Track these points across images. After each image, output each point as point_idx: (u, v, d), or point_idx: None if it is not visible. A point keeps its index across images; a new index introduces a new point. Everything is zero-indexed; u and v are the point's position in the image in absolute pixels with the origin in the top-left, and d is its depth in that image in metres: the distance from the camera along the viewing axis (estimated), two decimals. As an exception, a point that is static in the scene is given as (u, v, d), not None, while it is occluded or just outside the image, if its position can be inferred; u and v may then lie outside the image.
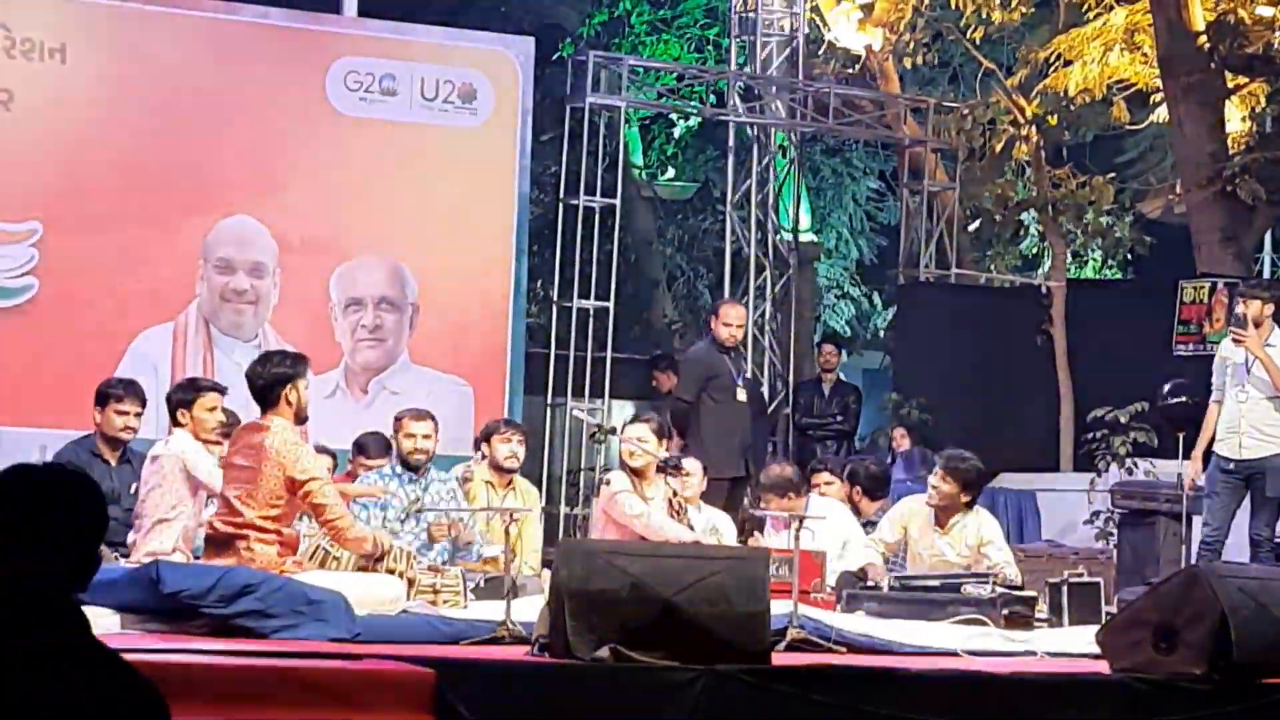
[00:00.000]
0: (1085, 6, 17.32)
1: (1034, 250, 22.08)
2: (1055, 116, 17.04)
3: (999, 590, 8.59)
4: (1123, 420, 13.45)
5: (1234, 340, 10.57)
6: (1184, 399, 12.03)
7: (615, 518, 9.57)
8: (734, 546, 9.44)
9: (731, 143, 17.50)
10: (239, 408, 9.30)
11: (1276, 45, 15.68)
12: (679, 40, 22.86)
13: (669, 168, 24.85)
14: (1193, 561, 10.60)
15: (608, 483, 9.86)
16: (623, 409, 14.84)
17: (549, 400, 15.62)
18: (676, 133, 24.31)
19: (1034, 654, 7.53)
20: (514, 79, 14.46)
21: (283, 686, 5.45)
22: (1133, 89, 17.54)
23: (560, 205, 15.72)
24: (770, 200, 17.41)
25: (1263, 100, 16.73)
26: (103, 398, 9.48)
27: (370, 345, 13.98)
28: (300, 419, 8.07)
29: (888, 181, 24.42)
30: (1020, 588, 8.90)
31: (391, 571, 7.99)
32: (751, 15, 17.37)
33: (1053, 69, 17.45)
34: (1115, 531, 12.56)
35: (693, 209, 24.55)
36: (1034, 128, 16.87)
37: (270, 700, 5.39)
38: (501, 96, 14.37)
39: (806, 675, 6.13)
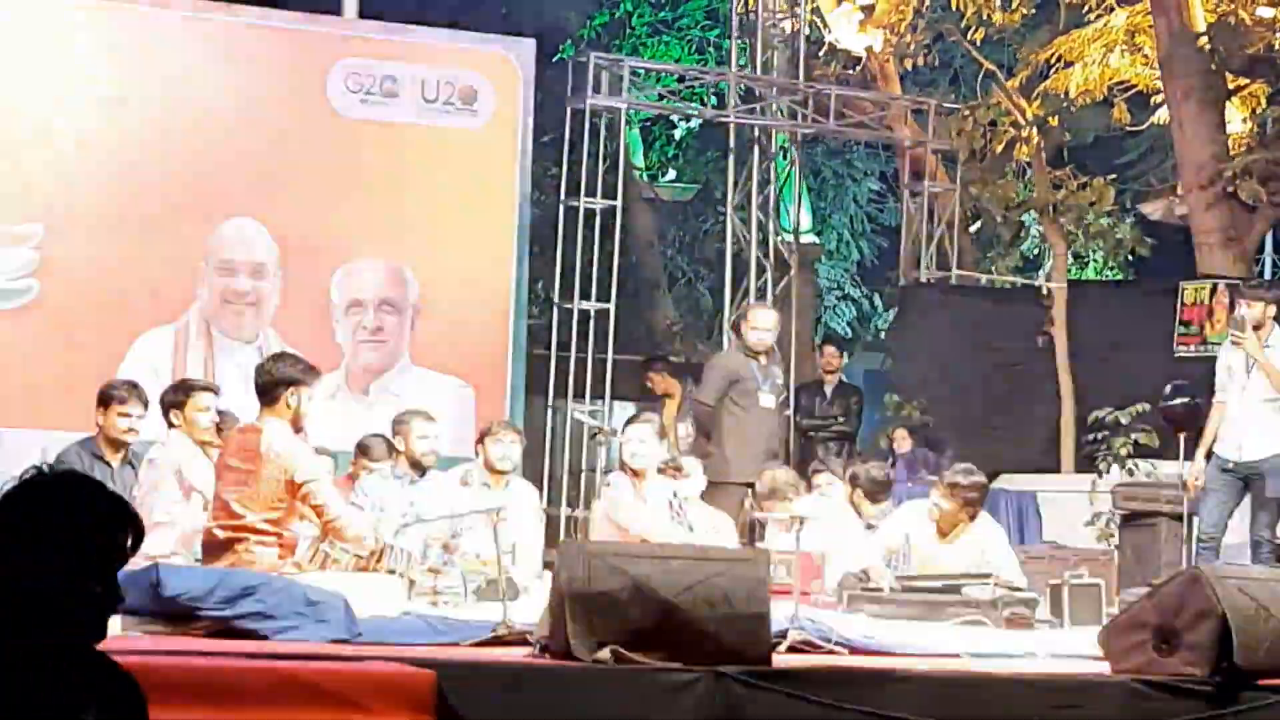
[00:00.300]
0: (1086, 8, 17.33)
1: (1035, 251, 22.10)
2: (1056, 118, 17.04)
3: (1000, 592, 8.59)
4: (1124, 421, 13.45)
5: (1232, 342, 10.57)
6: (1185, 400, 12.03)
7: (615, 520, 9.57)
8: (735, 548, 9.43)
9: (732, 144, 17.51)
10: (236, 408, 9.31)
11: (1277, 46, 15.68)
12: (680, 42, 22.88)
13: (670, 169, 24.86)
14: (1193, 561, 10.60)
15: (609, 485, 9.86)
16: (623, 410, 14.83)
17: (550, 401, 15.62)
18: (677, 134, 24.32)
19: (1035, 655, 7.53)
20: (515, 81, 14.46)
21: (283, 688, 5.45)
22: (1133, 90, 17.54)
23: (561, 207, 15.72)
24: (771, 202, 17.41)
25: (1263, 101, 16.73)
26: (105, 399, 9.47)
27: (371, 347, 13.98)
28: (296, 428, 8.05)
29: (888, 183, 24.43)
30: (1022, 589, 8.90)
31: (392, 572, 7.99)
32: (752, 17, 17.38)
33: (1053, 70, 17.46)
34: (1116, 533, 12.55)
35: (693, 210, 24.56)
36: (1035, 129, 16.87)
37: (271, 701, 5.39)
38: (502, 98, 14.38)
39: (807, 677, 6.13)
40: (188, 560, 8.34)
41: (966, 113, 17.19)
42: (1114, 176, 17.87)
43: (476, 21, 18.31)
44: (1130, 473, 13.34)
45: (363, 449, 11.07)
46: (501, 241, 14.36)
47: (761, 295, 17.13)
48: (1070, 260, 19.05)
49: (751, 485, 11.32)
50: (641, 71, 16.99)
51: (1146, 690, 6.40)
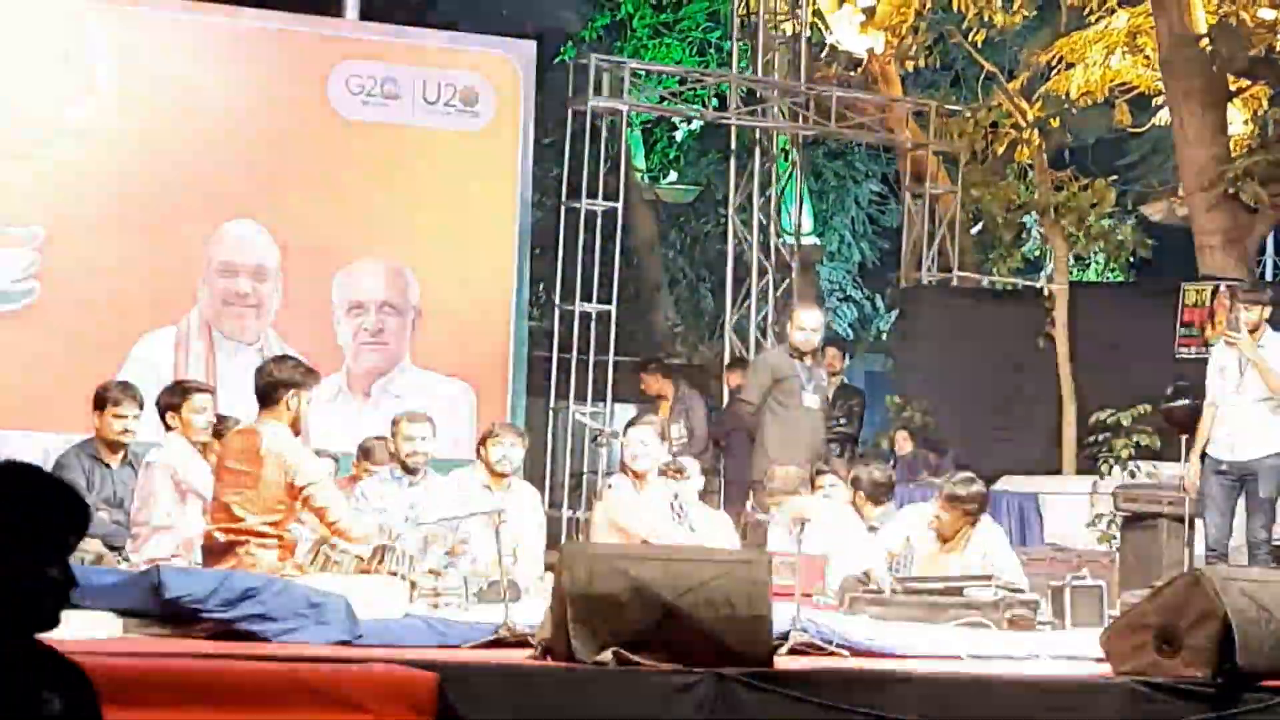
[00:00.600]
0: (1087, 10, 17.32)
1: (1036, 253, 22.08)
2: (1057, 119, 17.04)
3: (1001, 593, 8.58)
4: (1125, 423, 13.45)
5: (1227, 343, 10.59)
6: (1186, 401, 12.02)
7: (617, 522, 9.57)
8: (736, 550, 9.43)
9: (733, 146, 17.52)
10: (237, 411, 9.30)
11: (1278, 48, 15.68)
12: (681, 43, 22.88)
13: (671, 171, 24.87)
14: (1196, 565, 10.60)
15: (610, 486, 9.85)
16: (624, 412, 14.84)
17: (551, 403, 15.62)
18: (678, 136, 24.32)
19: (1037, 657, 7.52)
20: (516, 82, 14.47)
21: (285, 689, 5.46)
22: (1134, 92, 17.54)
23: (562, 209, 15.72)
24: (772, 203, 17.41)
25: (1265, 103, 16.73)
26: (100, 401, 9.48)
27: (372, 349, 13.98)
28: (295, 430, 8.06)
29: (889, 184, 24.43)
30: (1024, 591, 8.89)
31: (393, 574, 7.99)
32: (753, 18, 17.38)
33: (1055, 72, 17.45)
34: (1118, 534, 12.55)
35: (694, 212, 24.56)
36: (1036, 131, 16.87)
37: (273, 703, 5.39)
38: (503, 100, 14.38)
39: (809, 679, 6.13)
40: (188, 563, 8.34)
41: (968, 114, 17.20)
42: (1115, 178, 17.87)
43: (477, 23, 18.33)
44: (1132, 474, 13.34)
45: (364, 451, 11.07)
46: (502, 243, 14.36)
47: (763, 297, 17.14)
48: (1071, 262, 19.04)
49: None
50: (642, 73, 16.99)
51: (1148, 692, 6.40)
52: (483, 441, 10.03)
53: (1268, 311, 10.56)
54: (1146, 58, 16.98)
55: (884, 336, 24.61)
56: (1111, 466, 13.57)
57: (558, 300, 15.95)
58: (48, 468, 9.34)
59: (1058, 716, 6.34)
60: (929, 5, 17.49)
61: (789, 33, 17.48)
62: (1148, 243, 17.39)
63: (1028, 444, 15.61)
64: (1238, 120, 16.72)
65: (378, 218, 13.99)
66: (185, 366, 13.20)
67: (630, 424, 10.20)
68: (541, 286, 19.66)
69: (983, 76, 18.19)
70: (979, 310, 16.77)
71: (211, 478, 8.37)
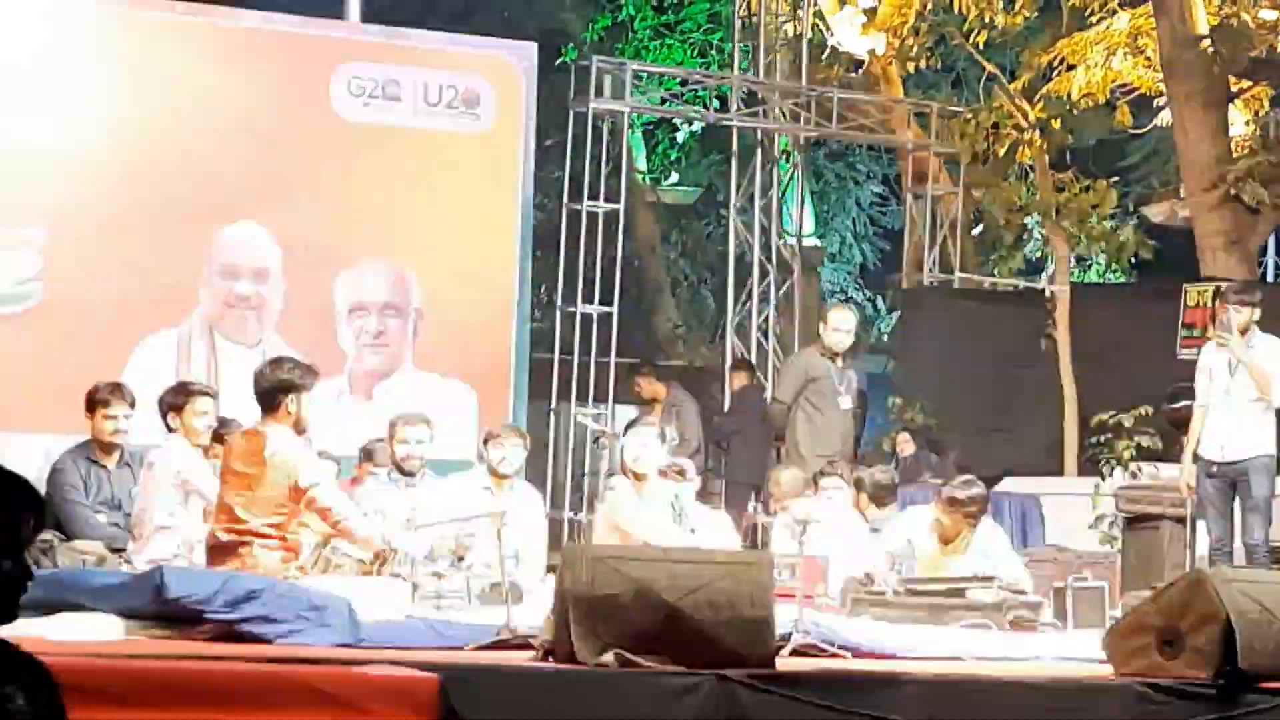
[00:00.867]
0: (1088, 11, 17.32)
1: (1037, 254, 22.09)
2: (1059, 121, 17.04)
3: (1003, 595, 8.58)
4: (1127, 424, 13.45)
5: (1218, 345, 10.61)
6: (1188, 403, 12.00)
7: (617, 524, 9.57)
8: (738, 551, 9.44)
9: (735, 147, 17.52)
10: (240, 412, 9.30)
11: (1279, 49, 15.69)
12: (682, 45, 22.88)
13: (672, 172, 24.88)
14: (1198, 566, 10.59)
15: (611, 488, 9.85)
16: (626, 414, 14.85)
17: (552, 405, 15.62)
18: (680, 137, 24.33)
19: (1038, 658, 7.52)
20: (517, 84, 14.47)
21: (287, 691, 5.46)
22: (1136, 93, 17.54)
23: (564, 210, 15.74)
24: (773, 205, 17.42)
25: (1266, 104, 16.73)
26: (91, 403, 9.49)
27: (374, 350, 13.99)
28: (299, 430, 8.06)
29: (891, 186, 24.44)
30: (1026, 592, 8.89)
31: (396, 576, 7.99)
32: (755, 20, 17.38)
33: (1056, 73, 17.45)
34: (1120, 535, 12.54)
35: (696, 214, 24.57)
36: (1037, 132, 16.87)
37: (274, 705, 5.39)
38: (505, 102, 14.38)
39: (811, 680, 6.13)
40: (190, 564, 8.34)
41: (969, 116, 17.19)
42: (1116, 179, 17.88)
43: (479, 25, 18.35)
44: (1134, 475, 13.33)
45: (366, 454, 11.07)
46: (504, 245, 14.37)
47: (764, 298, 17.15)
48: (1073, 263, 19.05)
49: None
50: (644, 75, 17.00)
51: (1150, 693, 6.40)
52: (485, 443, 10.04)
53: (1256, 313, 10.58)
54: (1148, 59, 16.98)
55: (885, 338, 24.61)
56: (1113, 468, 13.57)
57: (559, 302, 15.96)
58: (47, 470, 9.42)
59: (1059, 718, 6.34)
60: (930, 6, 17.49)
61: (790, 34, 17.50)
62: (1149, 244, 17.39)
63: (1029, 445, 15.60)
64: (1239, 121, 16.72)
65: (379, 220, 14.00)
66: (187, 368, 13.20)
67: (630, 426, 10.19)
68: (543, 288, 19.67)
69: (984, 77, 18.19)
70: (980, 312, 16.78)
71: (214, 479, 8.37)
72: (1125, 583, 11.32)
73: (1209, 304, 14.91)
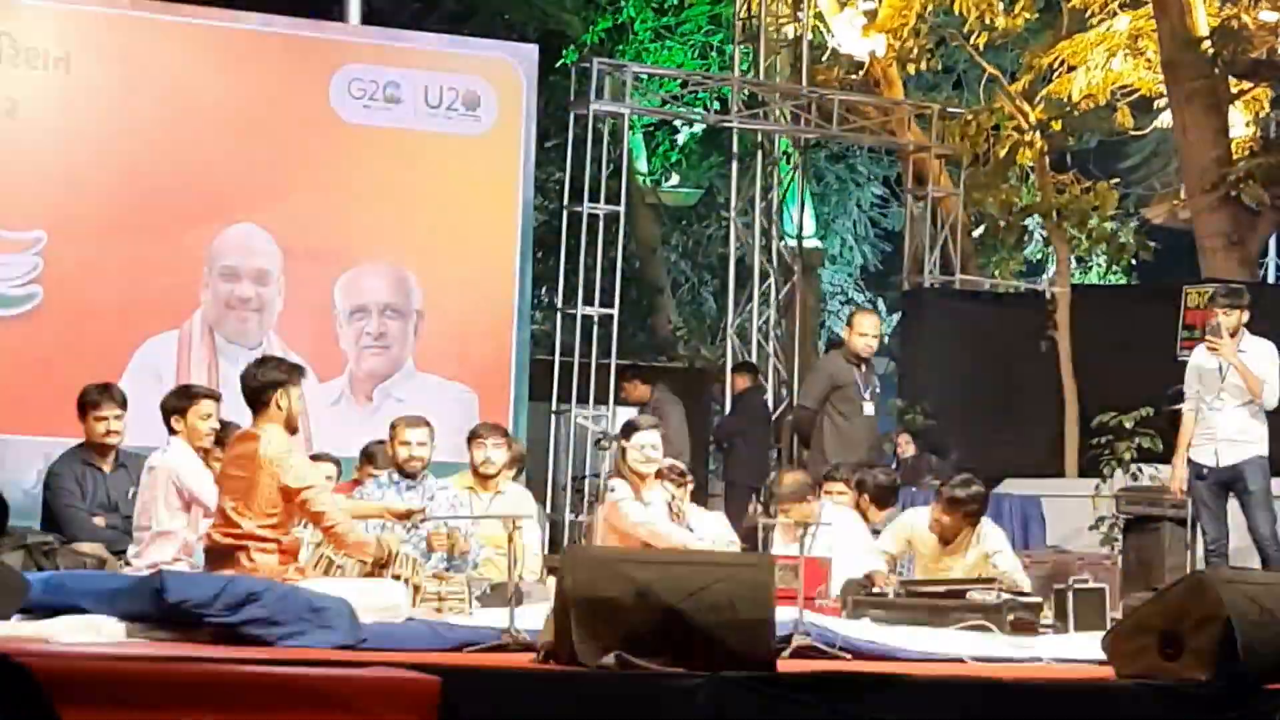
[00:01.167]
0: (1089, 12, 17.33)
1: (1038, 256, 22.11)
2: (1059, 122, 17.05)
3: (1004, 596, 8.59)
4: (1127, 425, 13.44)
5: (1209, 348, 10.62)
6: (1184, 403, 12.02)
7: (618, 526, 9.57)
8: (739, 553, 9.44)
9: (735, 149, 17.52)
10: (237, 415, 9.29)
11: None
12: (683, 47, 22.88)
13: (673, 174, 24.88)
14: (1199, 567, 10.60)
15: (612, 490, 9.85)
16: (627, 415, 14.85)
17: (553, 407, 15.63)
18: (680, 139, 24.33)
19: (1039, 660, 7.52)
20: (518, 86, 14.47)
21: (288, 694, 5.46)
22: (1136, 94, 17.55)
23: (564, 212, 15.74)
24: (774, 206, 17.42)
25: (1266, 105, 16.76)
26: (81, 407, 9.49)
27: (375, 353, 13.99)
28: (290, 428, 8.05)
29: (891, 187, 24.45)
30: (1026, 594, 8.89)
31: (397, 578, 7.99)
32: (755, 22, 17.39)
33: (1056, 74, 17.46)
34: (1120, 537, 12.55)
35: (697, 215, 24.58)
36: (1038, 133, 16.88)
37: (275, 708, 5.39)
38: (505, 104, 14.38)
39: (812, 682, 6.13)
40: (190, 568, 8.35)
41: (969, 117, 17.20)
42: (1117, 180, 17.89)
43: (479, 27, 18.37)
44: (1134, 477, 13.33)
45: (367, 456, 11.06)
46: (504, 247, 14.37)
47: (765, 300, 17.15)
48: (1073, 264, 19.05)
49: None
50: (644, 77, 17.00)
51: (1151, 695, 6.40)
52: (468, 443, 10.02)
53: (1245, 316, 10.59)
54: (1148, 60, 16.99)
55: (886, 340, 24.59)
56: (1114, 469, 13.56)
57: (560, 304, 15.96)
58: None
59: (1061, 719, 6.34)
60: (930, 8, 17.50)
61: (790, 36, 17.50)
62: (1149, 245, 17.40)
63: (1030, 447, 15.60)
64: (1239, 122, 16.74)
65: (380, 222, 14.00)
66: (187, 370, 13.21)
67: (633, 428, 10.14)
68: (544, 290, 19.69)
69: (984, 79, 18.21)
70: (981, 313, 16.78)
71: (213, 483, 8.37)
72: (1126, 584, 11.33)
73: (1209, 305, 14.93)
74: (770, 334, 17.19)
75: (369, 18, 15.24)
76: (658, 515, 9.60)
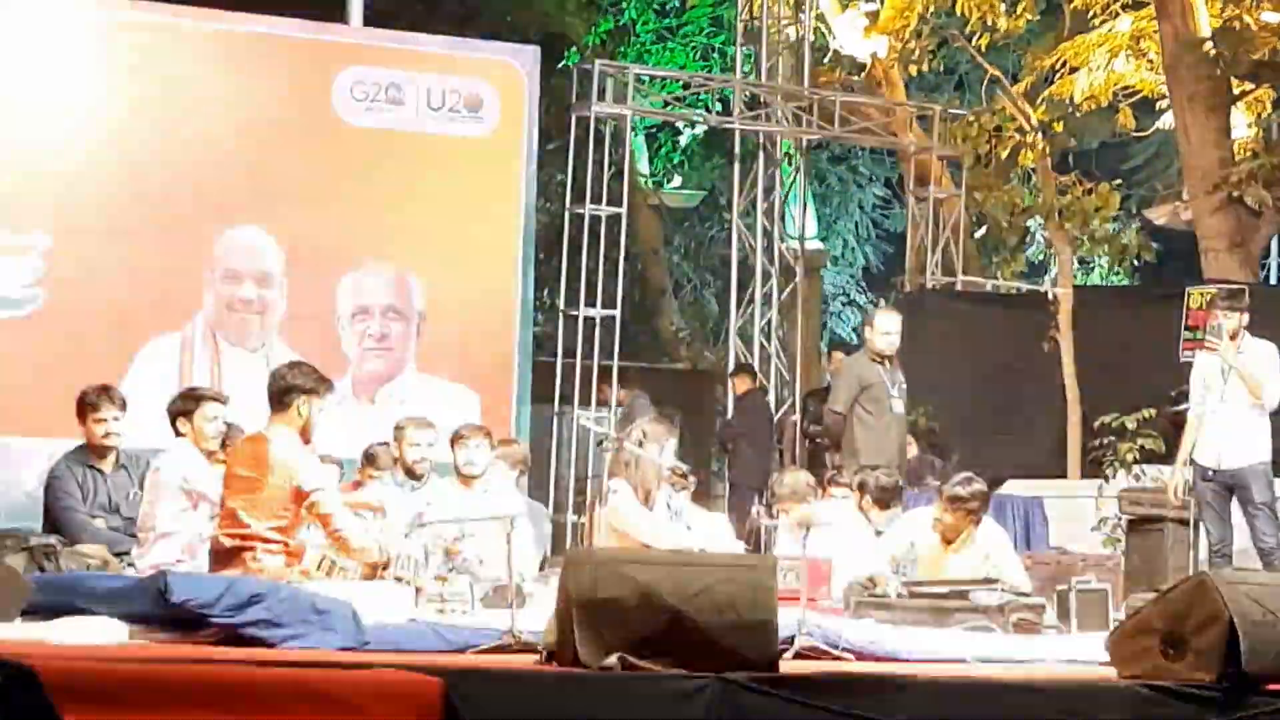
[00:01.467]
0: (1091, 14, 17.32)
1: (1040, 257, 22.11)
2: (1061, 123, 17.04)
3: (1007, 597, 8.59)
4: (1130, 426, 13.44)
5: (1209, 350, 10.61)
6: (1189, 405, 12.03)
7: (618, 527, 9.56)
8: (742, 554, 9.44)
9: (737, 150, 17.52)
10: (238, 416, 9.30)
11: (1283, 51, 15.69)
12: (685, 48, 22.89)
13: (675, 176, 24.89)
14: (1201, 568, 10.59)
15: (614, 491, 9.84)
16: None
17: (556, 408, 15.63)
18: (683, 141, 24.34)
19: (1042, 661, 7.52)
20: (520, 88, 14.47)
21: (290, 695, 5.46)
22: (1139, 96, 17.54)
23: (567, 214, 15.74)
24: (776, 208, 17.42)
25: (1269, 106, 16.74)
26: (80, 409, 9.49)
27: (377, 354, 13.99)
28: (305, 438, 8.06)
29: (893, 189, 24.44)
30: (1027, 594, 8.89)
31: (399, 580, 7.99)
32: (757, 23, 17.39)
33: (1058, 76, 17.46)
34: (1123, 538, 12.54)
35: (699, 217, 24.59)
36: (1040, 134, 16.87)
37: (278, 709, 5.39)
38: (507, 106, 14.39)
39: (814, 683, 6.13)
40: (194, 569, 8.35)
41: (971, 118, 17.20)
42: (1119, 182, 17.87)
43: (481, 29, 18.35)
44: (1137, 478, 13.33)
45: (368, 457, 11.08)
46: (507, 249, 14.37)
47: (767, 301, 17.15)
48: (1075, 266, 19.05)
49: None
50: (646, 78, 17.00)
51: (1153, 696, 6.39)
52: (451, 445, 10.02)
53: (1245, 318, 10.59)
54: (1150, 61, 16.99)
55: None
56: (1116, 470, 13.56)
57: (562, 305, 15.96)
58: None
59: (1063, 720, 6.34)
60: (932, 9, 17.50)
61: (792, 37, 17.49)
62: (1152, 247, 17.39)
63: (1032, 448, 15.60)
64: (1241, 124, 16.72)
65: (382, 223, 14.00)
66: (190, 372, 13.22)
67: (646, 428, 10.10)
68: (546, 291, 19.67)
69: (986, 80, 18.20)
70: (983, 314, 16.76)
71: (218, 484, 8.37)
72: (1128, 585, 11.32)
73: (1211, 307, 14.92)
74: (772, 335, 17.20)
75: (371, 20, 15.24)
76: (661, 518, 9.60)
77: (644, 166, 23.90)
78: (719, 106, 19.36)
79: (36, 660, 4.89)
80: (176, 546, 8.60)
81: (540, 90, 14.87)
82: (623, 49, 22.38)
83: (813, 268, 19.40)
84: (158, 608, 6.89)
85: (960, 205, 17.28)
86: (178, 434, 8.95)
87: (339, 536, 7.99)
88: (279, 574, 7.68)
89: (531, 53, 14.96)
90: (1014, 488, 14.29)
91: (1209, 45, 15.48)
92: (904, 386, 11.90)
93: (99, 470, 9.46)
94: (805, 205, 18.76)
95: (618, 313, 15.68)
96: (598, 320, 15.55)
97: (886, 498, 10.64)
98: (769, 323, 17.18)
